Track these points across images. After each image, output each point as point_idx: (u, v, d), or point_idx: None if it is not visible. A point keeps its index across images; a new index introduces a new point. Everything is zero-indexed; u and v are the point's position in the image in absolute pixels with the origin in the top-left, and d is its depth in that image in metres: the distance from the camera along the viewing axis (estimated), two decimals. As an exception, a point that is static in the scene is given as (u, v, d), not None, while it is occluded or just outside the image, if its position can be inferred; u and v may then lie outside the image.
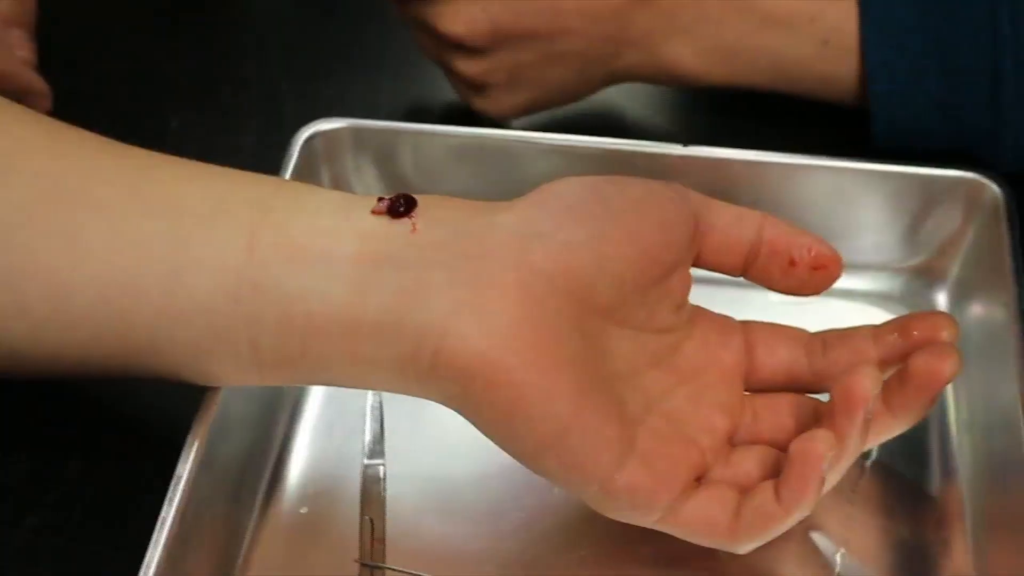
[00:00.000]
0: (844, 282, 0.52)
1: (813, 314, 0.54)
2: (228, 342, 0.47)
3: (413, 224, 0.46)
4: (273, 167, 0.58)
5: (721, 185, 0.59)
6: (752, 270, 0.51)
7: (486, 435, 0.46)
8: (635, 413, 0.47)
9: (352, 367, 0.46)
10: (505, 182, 0.59)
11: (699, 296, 0.51)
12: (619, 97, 0.71)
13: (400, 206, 0.47)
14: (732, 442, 0.50)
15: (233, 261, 0.46)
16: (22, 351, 0.49)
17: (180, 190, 0.48)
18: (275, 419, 0.57)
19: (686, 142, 0.61)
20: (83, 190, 0.48)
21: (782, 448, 0.48)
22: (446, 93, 0.71)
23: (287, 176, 0.59)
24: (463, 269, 0.45)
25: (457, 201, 0.48)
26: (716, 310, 0.52)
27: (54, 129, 0.50)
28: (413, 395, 0.47)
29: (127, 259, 0.47)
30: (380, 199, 0.47)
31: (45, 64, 0.72)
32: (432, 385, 0.45)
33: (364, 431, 0.56)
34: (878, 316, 0.59)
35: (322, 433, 0.57)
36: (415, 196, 0.47)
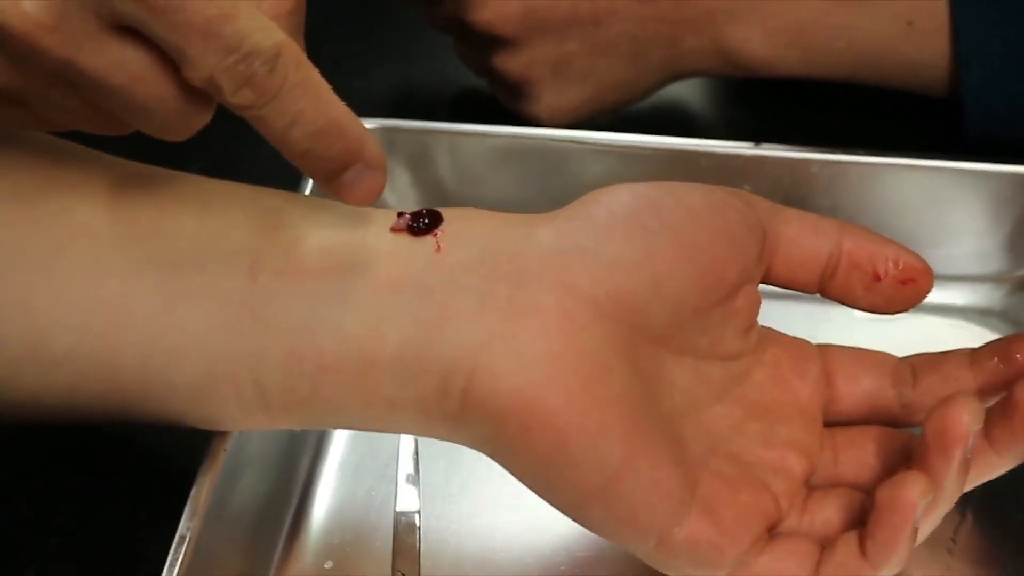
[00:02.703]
0: (937, 296, 0.51)
1: (901, 333, 0.53)
2: (229, 383, 0.44)
3: (437, 242, 0.44)
4: (294, 176, 0.57)
5: (795, 189, 0.59)
6: (830, 286, 0.49)
7: (524, 484, 0.44)
8: (697, 455, 0.45)
9: (370, 409, 0.44)
10: (553, 188, 0.59)
11: (770, 314, 0.49)
12: (680, 91, 0.71)
13: (422, 222, 0.45)
14: (809, 485, 0.48)
15: (232, 289, 0.44)
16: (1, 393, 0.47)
17: (173, 208, 0.46)
18: (295, 459, 0.55)
19: (756, 140, 0.59)
20: (63, 210, 0.46)
21: (867, 491, 0.45)
22: (487, 88, 0.69)
23: (308, 186, 0.57)
24: (495, 293, 0.43)
25: (488, 214, 0.46)
26: (790, 329, 0.50)
27: (32, 139, 0.48)
28: (440, 438, 0.45)
29: (112, 288, 0.45)
30: (400, 214, 0.45)
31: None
32: (461, 428, 0.44)
33: (396, 474, 0.54)
34: (976, 334, 0.58)
35: (349, 476, 0.55)
36: (439, 210, 0.45)
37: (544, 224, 0.45)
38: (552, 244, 0.44)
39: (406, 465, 0.54)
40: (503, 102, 0.68)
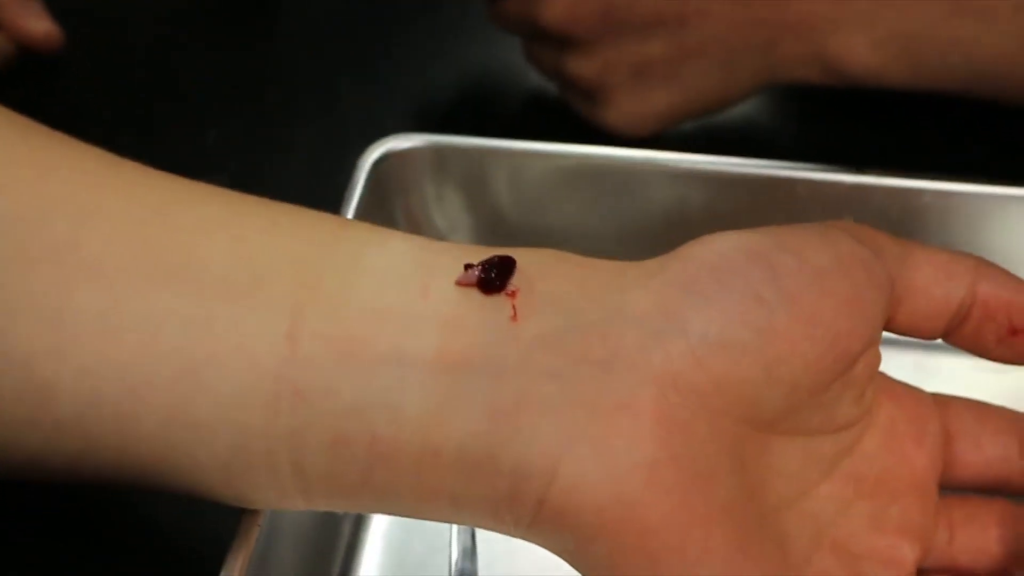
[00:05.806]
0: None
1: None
2: (263, 464, 0.40)
3: (513, 308, 0.39)
4: (331, 194, 0.54)
5: (904, 222, 0.56)
6: (957, 335, 0.44)
7: None
8: (801, 551, 0.42)
9: (430, 503, 0.40)
10: (627, 216, 0.56)
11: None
12: (772, 106, 0.69)
13: (494, 277, 0.40)
14: (920, 569, 0.44)
15: (269, 355, 0.39)
16: None
17: (201, 241, 0.41)
18: (336, 527, 0.52)
19: (858, 165, 0.56)
20: (73, 243, 0.40)
21: None
22: (552, 101, 0.68)
23: (351, 210, 0.53)
24: (580, 381, 0.38)
25: (570, 264, 0.41)
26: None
27: (47, 147, 0.43)
28: (512, 536, 0.40)
29: (128, 348, 0.40)
30: (467, 266, 0.40)
31: (60, 63, 0.70)
32: (535, 535, 0.39)
33: (450, 545, 0.50)
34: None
35: (397, 547, 0.52)
36: (512, 254, 0.40)
37: (639, 288, 0.40)
38: (649, 320, 0.39)
39: (462, 535, 0.51)
40: (575, 108, 0.66)
